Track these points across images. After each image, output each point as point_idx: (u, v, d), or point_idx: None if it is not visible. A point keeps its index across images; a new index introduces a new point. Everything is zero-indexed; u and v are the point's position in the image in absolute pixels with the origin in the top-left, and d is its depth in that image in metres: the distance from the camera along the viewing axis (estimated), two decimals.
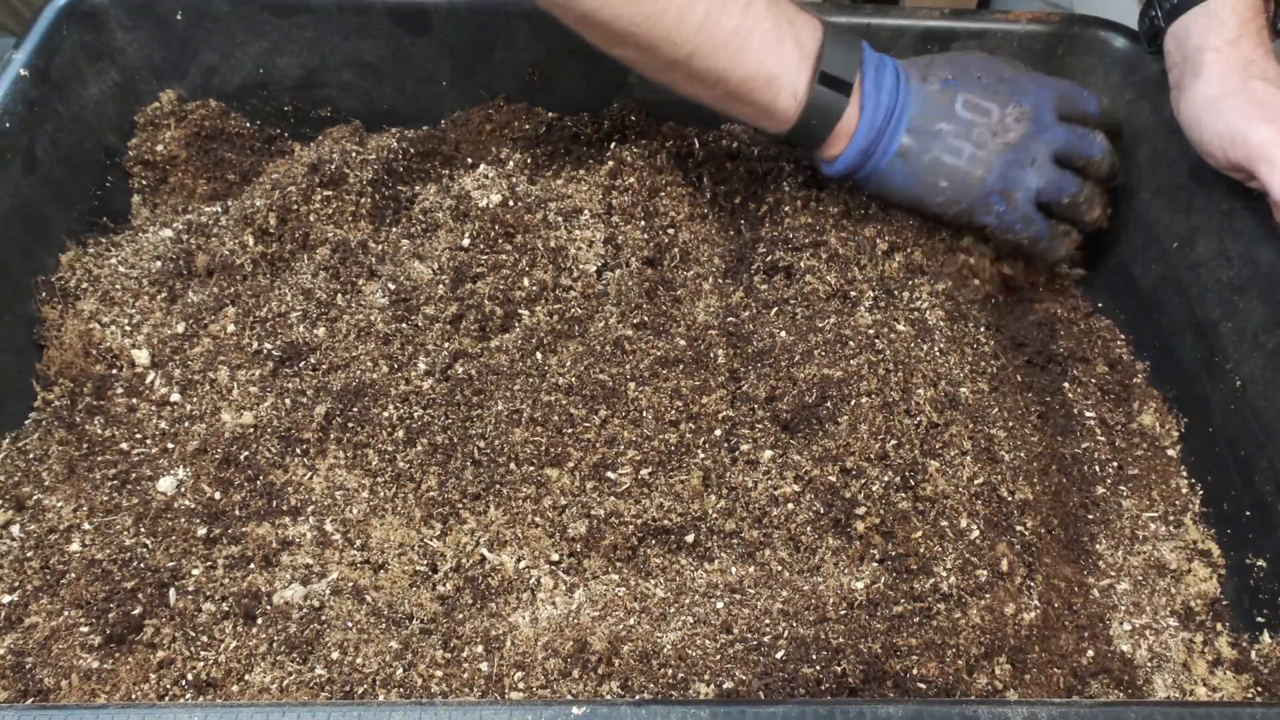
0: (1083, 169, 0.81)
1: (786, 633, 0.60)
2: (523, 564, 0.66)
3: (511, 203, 0.82)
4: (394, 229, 0.85)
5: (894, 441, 0.68)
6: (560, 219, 0.82)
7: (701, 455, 0.70)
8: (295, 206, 0.83)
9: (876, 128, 0.76)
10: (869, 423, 0.69)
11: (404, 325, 0.77)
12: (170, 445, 0.72)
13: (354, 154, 0.88)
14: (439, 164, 0.93)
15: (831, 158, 0.78)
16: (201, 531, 0.67)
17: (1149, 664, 0.67)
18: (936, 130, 0.76)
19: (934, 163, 0.76)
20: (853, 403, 0.70)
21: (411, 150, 0.91)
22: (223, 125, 0.93)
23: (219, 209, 0.87)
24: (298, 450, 0.71)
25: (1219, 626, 0.69)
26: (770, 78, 0.74)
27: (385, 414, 0.72)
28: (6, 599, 0.62)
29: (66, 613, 0.62)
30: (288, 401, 0.74)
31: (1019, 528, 0.67)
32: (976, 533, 0.65)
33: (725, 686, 0.57)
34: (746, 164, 0.92)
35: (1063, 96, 0.80)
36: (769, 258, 0.82)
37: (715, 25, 0.71)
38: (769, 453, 0.70)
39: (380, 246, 0.83)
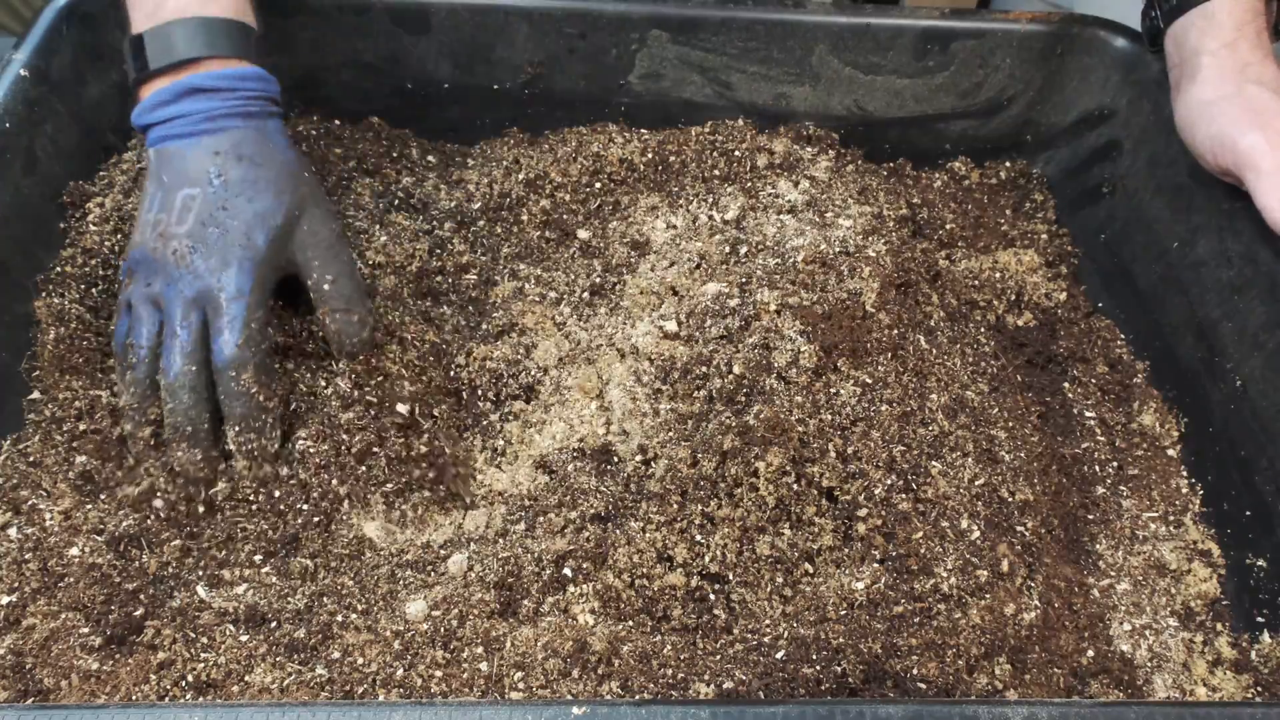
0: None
1: (787, 633, 0.60)
2: None
3: None
4: None
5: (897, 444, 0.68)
6: None
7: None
8: None
9: (177, 109, 0.68)
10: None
11: None
12: None
13: None
14: None
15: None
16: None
17: (1149, 664, 0.67)
18: (181, 174, 0.68)
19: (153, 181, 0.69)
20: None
21: None
22: None
23: None
24: None
25: (1219, 626, 0.69)
26: None
27: None
28: (5, 599, 0.62)
29: (65, 615, 0.61)
30: None
31: (1019, 528, 0.67)
32: (977, 533, 0.65)
33: (725, 686, 0.57)
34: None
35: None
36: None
37: None
38: None
39: None
